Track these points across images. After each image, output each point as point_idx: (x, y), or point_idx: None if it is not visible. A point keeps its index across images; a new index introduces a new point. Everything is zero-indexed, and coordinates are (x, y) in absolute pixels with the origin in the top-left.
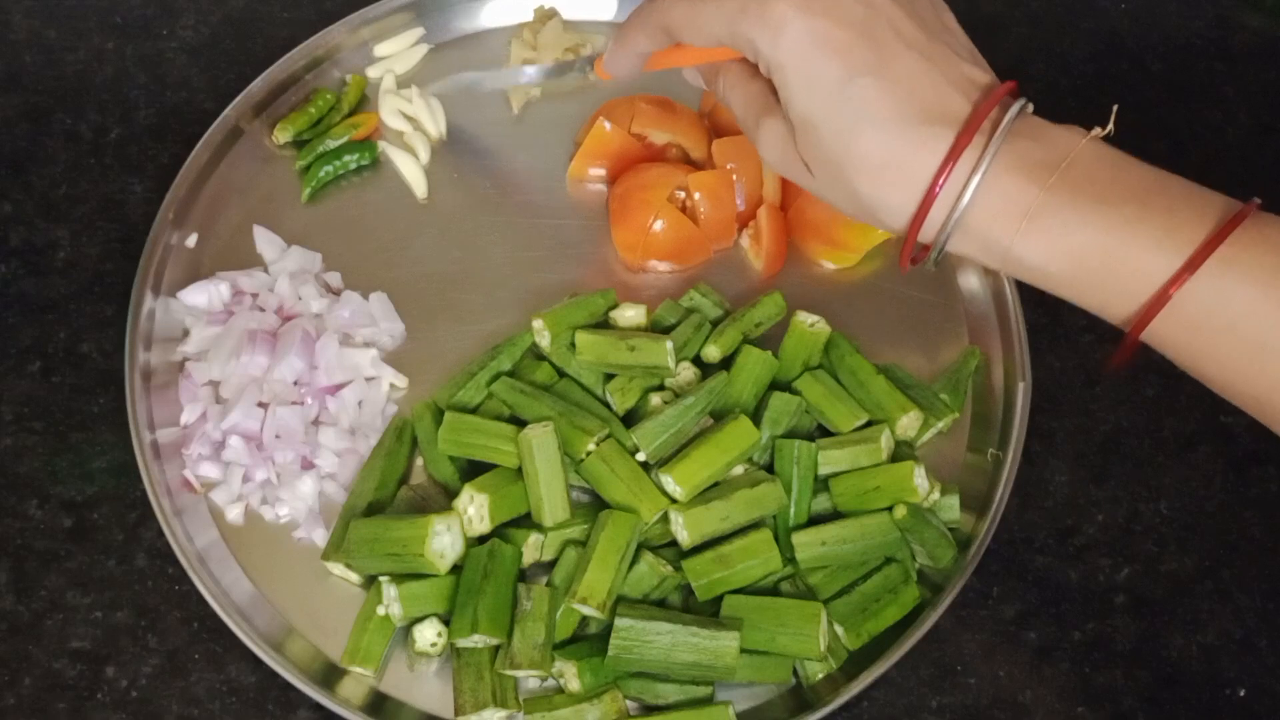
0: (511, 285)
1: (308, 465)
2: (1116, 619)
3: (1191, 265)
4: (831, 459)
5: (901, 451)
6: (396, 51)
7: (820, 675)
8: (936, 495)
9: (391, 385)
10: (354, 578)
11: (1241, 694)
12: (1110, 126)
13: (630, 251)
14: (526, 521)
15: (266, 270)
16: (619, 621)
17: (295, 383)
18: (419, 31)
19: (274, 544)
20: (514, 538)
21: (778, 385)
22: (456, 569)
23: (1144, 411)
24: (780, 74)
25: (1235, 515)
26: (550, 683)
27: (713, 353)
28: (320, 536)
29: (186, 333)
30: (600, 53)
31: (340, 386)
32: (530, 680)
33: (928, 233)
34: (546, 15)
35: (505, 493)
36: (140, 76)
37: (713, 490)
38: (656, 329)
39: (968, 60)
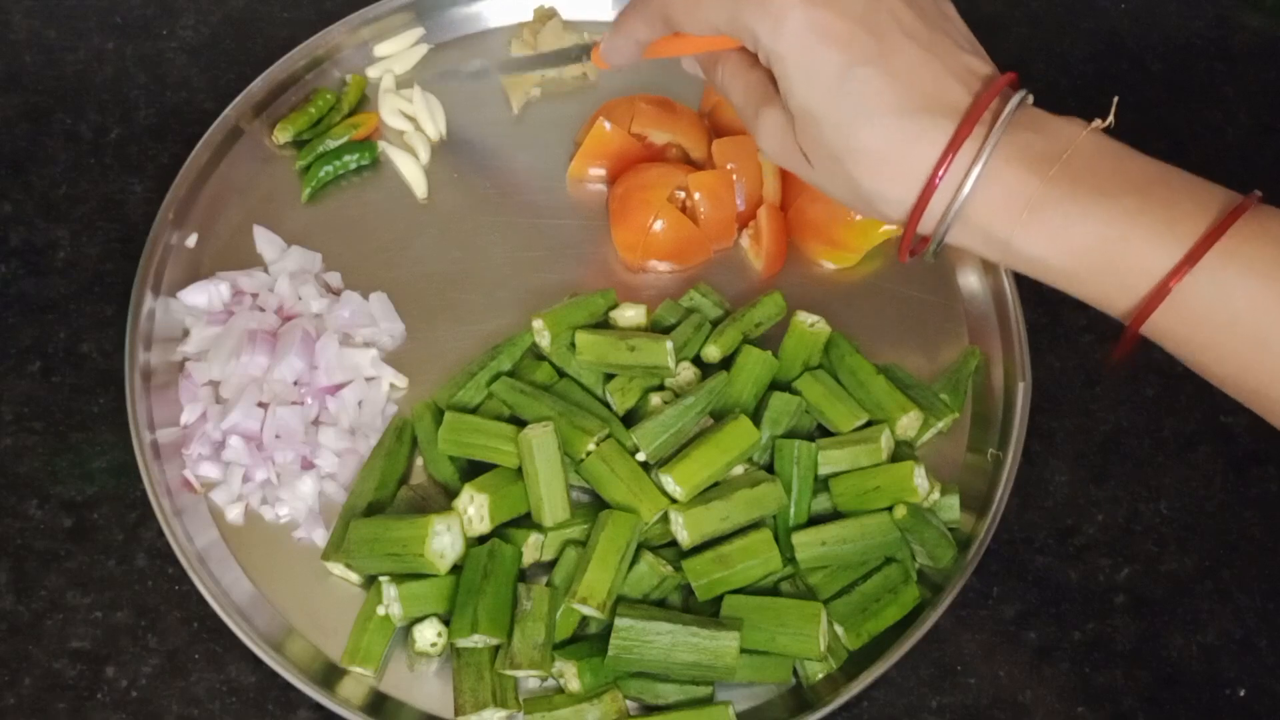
0: (511, 285)
1: (308, 465)
2: (1116, 619)
3: (1192, 258)
4: (831, 459)
5: (901, 451)
6: (396, 51)
7: (820, 675)
8: (936, 495)
9: (391, 385)
10: (354, 578)
11: (1241, 694)
12: (1111, 118)
13: (630, 251)
14: (526, 521)
15: (266, 270)
16: (619, 621)
17: (295, 383)
18: (419, 31)
19: (274, 544)
20: (514, 538)
21: (778, 385)
22: (456, 569)
23: (1144, 411)
24: (780, 64)
25: (1235, 515)
26: (550, 683)
27: (713, 353)
28: (320, 536)
29: (186, 333)
30: (598, 41)
31: (340, 386)
32: (530, 680)
33: (927, 224)
34: (546, 15)
35: (505, 493)
36: (140, 76)
37: (713, 490)
38: (656, 329)
39: (968, 51)
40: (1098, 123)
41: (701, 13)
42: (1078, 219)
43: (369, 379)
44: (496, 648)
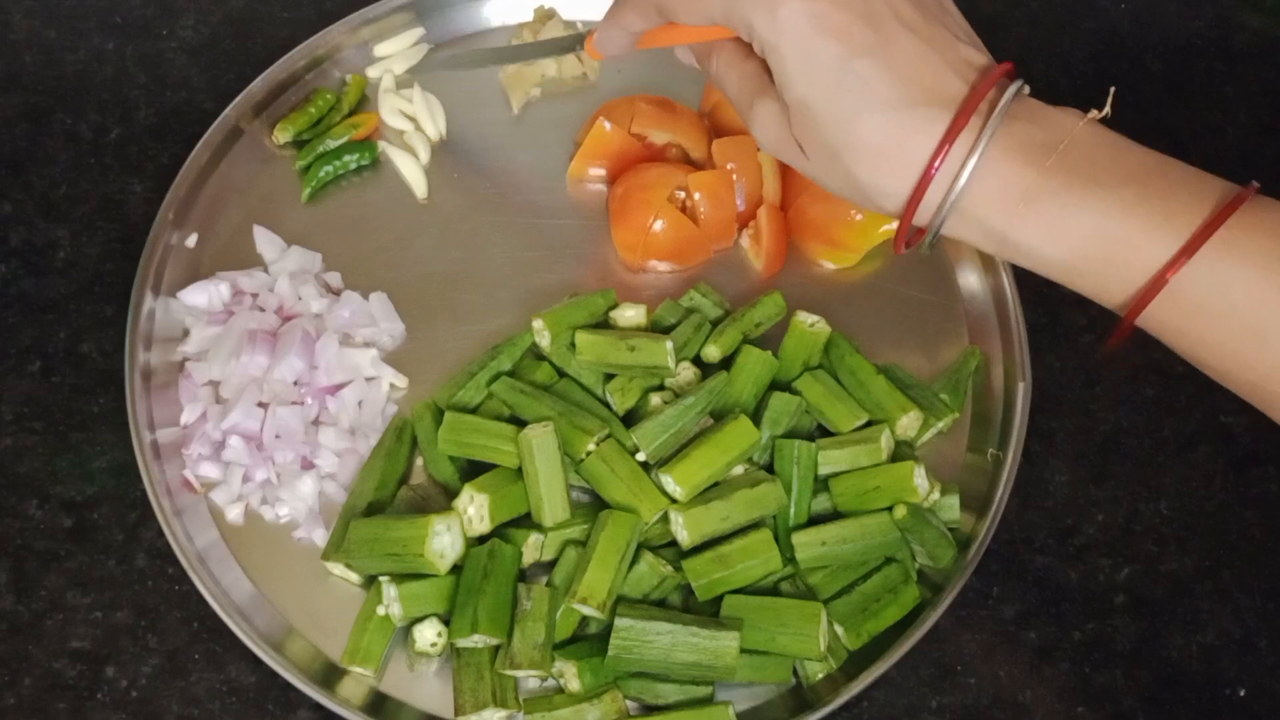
0: (511, 285)
1: (308, 465)
2: (1116, 619)
3: (1189, 249)
4: (831, 459)
5: (901, 451)
6: (396, 51)
7: (820, 675)
8: (936, 495)
9: (391, 385)
10: (354, 578)
11: (1241, 694)
12: (1107, 109)
13: (630, 251)
14: (526, 521)
15: (266, 270)
16: (619, 621)
17: (295, 383)
18: (419, 31)
19: (274, 544)
20: (514, 538)
21: (778, 385)
22: (456, 569)
23: (1144, 411)
24: (775, 55)
25: (1235, 515)
26: (550, 683)
27: (713, 353)
28: (320, 536)
29: (186, 333)
30: (592, 30)
31: (340, 386)
32: (530, 680)
33: (923, 216)
34: (546, 15)
35: (505, 493)
36: (140, 76)
37: (713, 490)
38: (656, 329)
39: (965, 42)
40: (1094, 113)
41: (696, 2)
42: (1074, 210)
43: (369, 379)
44: (496, 648)
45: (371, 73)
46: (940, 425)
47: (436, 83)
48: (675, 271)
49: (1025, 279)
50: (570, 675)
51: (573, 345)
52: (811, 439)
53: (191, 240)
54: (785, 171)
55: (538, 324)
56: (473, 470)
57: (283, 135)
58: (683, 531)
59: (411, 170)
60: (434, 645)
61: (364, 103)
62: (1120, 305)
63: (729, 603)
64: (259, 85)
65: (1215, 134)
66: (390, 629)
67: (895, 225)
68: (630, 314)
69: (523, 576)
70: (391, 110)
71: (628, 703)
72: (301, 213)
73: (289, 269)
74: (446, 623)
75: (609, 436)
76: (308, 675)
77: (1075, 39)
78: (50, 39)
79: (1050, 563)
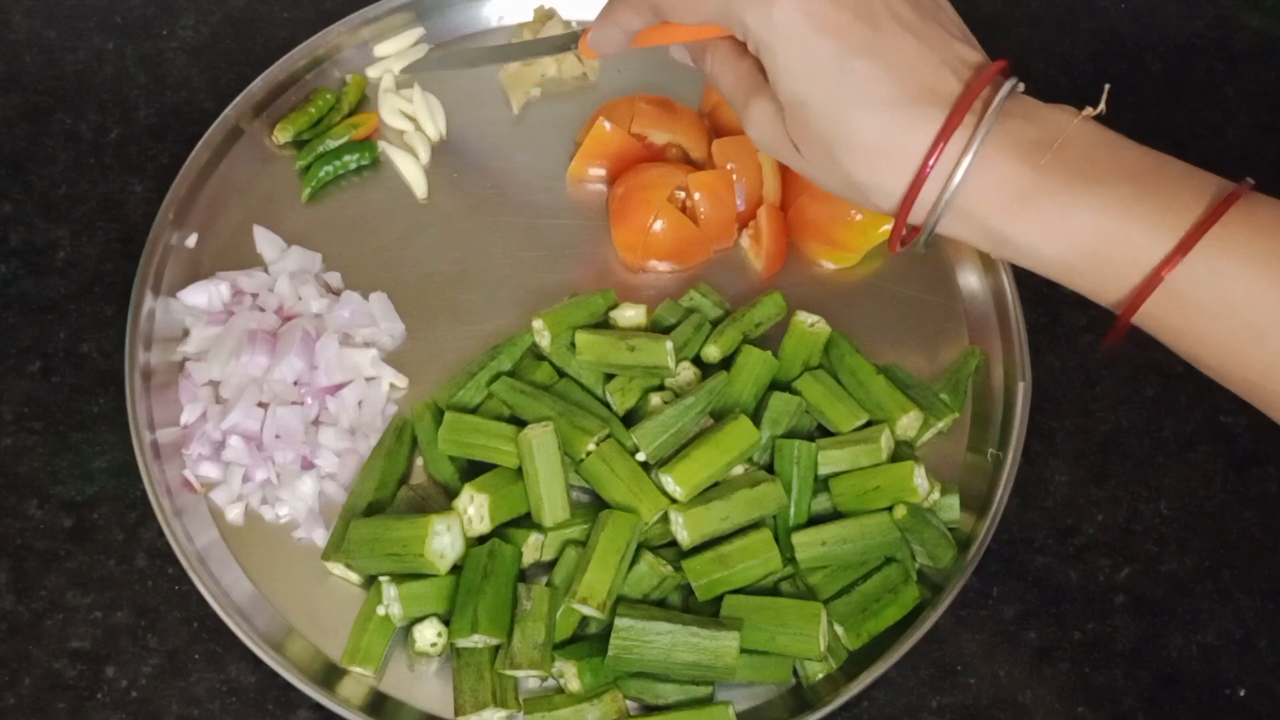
0: (511, 285)
1: (308, 465)
2: (1116, 619)
3: (1184, 246)
4: (831, 459)
5: (901, 451)
6: (396, 51)
7: (820, 675)
8: (936, 495)
9: (391, 385)
10: (354, 578)
11: (1241, 694)
12: (1102, 106)
13: (630, 251)
14: (526, 521)
15: (266, 270)
16: (619, 621)
17: (295, 383)
18: (419, 31)
19: (274, 544)
20: (514, 538)
21: (778, 385)
22: (456, 569)
23: (1144, 411)
24: (770, 54)
25: (1235, 515)
26: (550, 683)
27: (713, 353)
28: (320, 536)
29: (186, 333)
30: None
31: (340, 386)
32: (530, 680)
33: (918, 214)
34: (546, 15)
35: (505, 493)
36: (140, 76)
37: (713, 490)
38: (656, 329)
39: (960, 39)
40: (1089, 110)
41: (691, 1)
42: (1070, 208)
43: (369, 379)
44: (496, 648)
45: (371, 73)
46: (940, 425)
47: (436, 83)
48: (675, 271)
49: (1025, 279)
50: (570, 675)
51: (573, 345)
52: (811, 439)
53: (191, 240)
54: (785, 171)
55: (538, 324)
56: (473, 470)
57: (283, 135)
58: (683, 531)
59: (411, 170)
60: (434, 645)
61: (364, 103)
62: (1116, 303)
63: (729, 603)
64: (259, 85)
65: (1215, 134)
66: (390, 629)
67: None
68: (630, 314)
69: (523, 576)
70: (391, 110)
71: (628, 703)
72: (301, 213)
73: (289, 269)
74: (446, 623)
75: (609, 436)
76: (308, 675)
77: (1075, 39)
78: (50, 39)
79: (1050, 563)
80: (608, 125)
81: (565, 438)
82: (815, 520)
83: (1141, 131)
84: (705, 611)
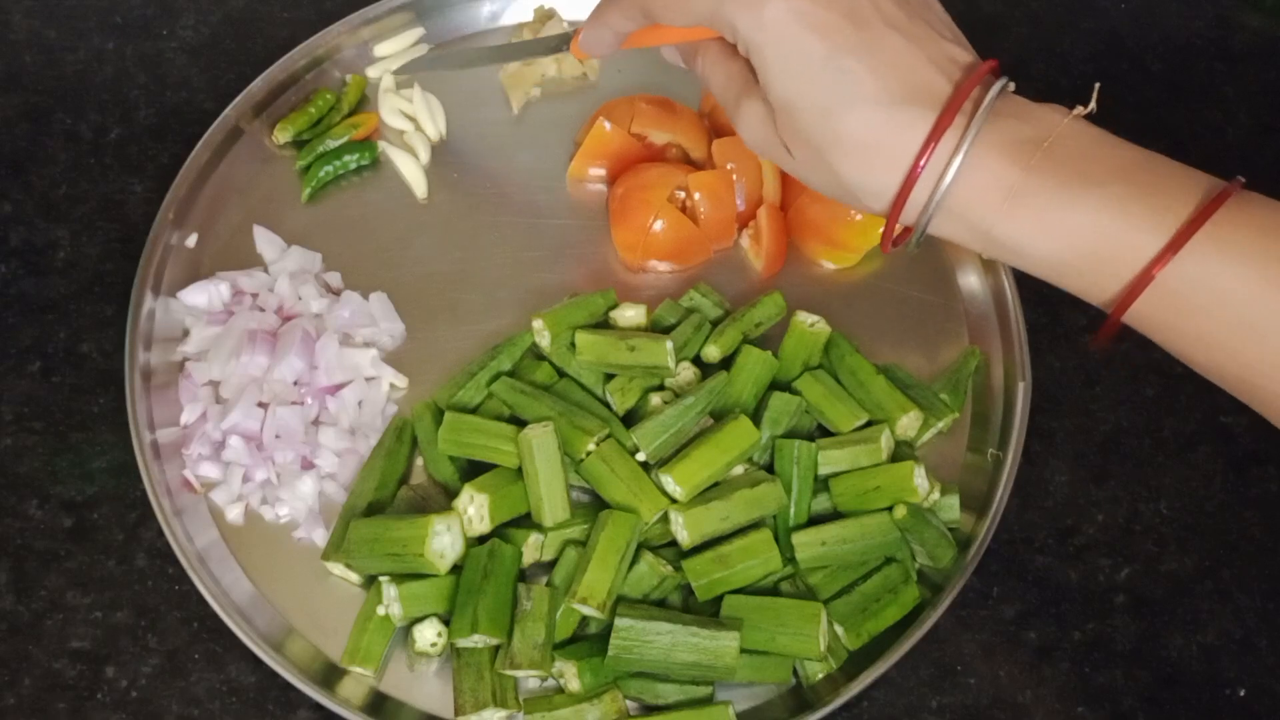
0: (511, 285)
1: (308, 465)
2: (1116, 619)
3: (1175, 245)
4: (831, 459)
5: (901, 451)
6: (396, 51)
7: (820, 675)
8: (936, 495)
9: (391, 385)
10: (354, 578)
11: (1241, 694)
12: (1093, 104)
13: (630, 251)
14: (526, 521)
15: (266, 270)
16: (619, 621)
17: (295, 383)
18: (419, 31)
19: (274, 544)
20: (514, 538)
21: (778, 385)
22: (456, 569)
23: (1144, 411)
24: (760, 55)
25: (1235, 515)
26: (550, 683)
27: (713, 353)
28: (320, 536)
29: (186, 333)
30: (577, 30)
31: (340, 386)
32: (530, 680)
33: (909, 214)
34: (546, 15)
35: (505, 493)
36: (140, 76)
37: (713, 490)
38: (656, 329)
39: (949, 39)
40: (1079, 109)
41: (681, 3)
42: (1059, 207)
43: (369, 379)
44: (496, 648)
45: (371, 73)
46: (940, 425)
47: (436, 83)
48: (675, 271)
49: (1025, 279)
50: (570, 675)
51: (573, 345)
52: (811, 439)
53: (191, 240)
54: (785, 172)
55: (538, 324)
56: (473, 470)
57: (283, 135)
58: (683, 531)
59: (411, 170)
60: (434, 645)
61: (364, 103)
62: (1108, 302)
63: (729, 603)
64: (259, 85)
65: (1215, 134)
66: (390, 629)
67: None
68: (630, 314)
69: (523, 576)
70: (391, 110)
71: (628, 703)
72: (301, 213)
73: (289, 269)
74: (446, 623)
75: (609, 436)
76: (308, 675)
77: (1075, 39)
78: (50, 39)
79: (1050, 563)
80: (608, 125)
81: (565, 438)
82: (815, 520)
83: (1141, 131)
84: (705, 611)
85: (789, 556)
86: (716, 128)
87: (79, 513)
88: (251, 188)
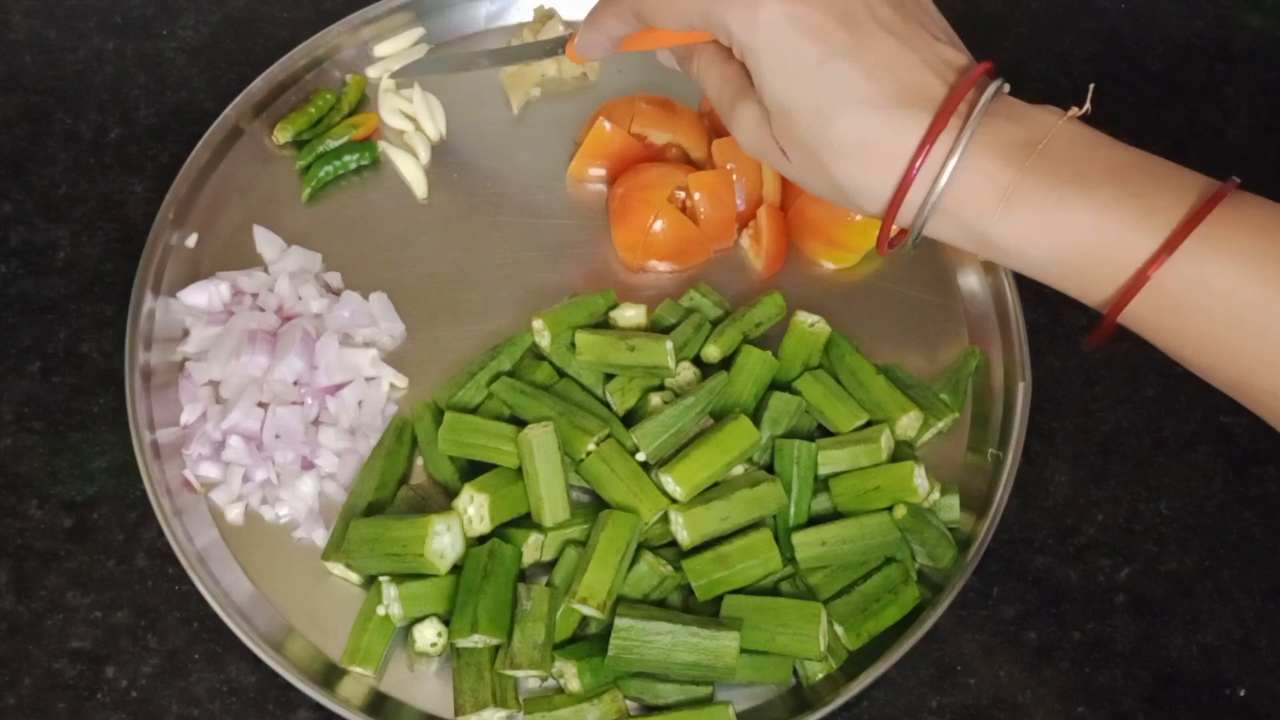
0: (511, 285)
1: (308, 465)
2: (1116, 619)
3: (1170, 246)
4: (831, 459)
5: (901, 451)
6: (396, 51)
7: (820, 675)
8: (936, 495)
9: (391, 385)
10: (354, 578)
11: (1241, 694)
12: (1087, 105)
13: (630, 251)
14: (526, 521)
15: (266, 270)
16: (619, 621)
17: (295, 383)
18: (419, 31)
19: (274, 544)
20: (514, 538)
21: (778, 385)
22: (456, 569)
23: (1144, 411)
24: (754, 58)
25: (1235, 515)
26: (550, 683)
27: (713, 353)
28: (320, 536)
29: (186, 333)
30: (573, 33)
31: (340, 386)
32: (530, 680)
33: (905, 216)
34: (546, 15)
35: (505, 493)
36: (140, 76)
37: (713, 490)
38: (656, 329)
39: (944, 41)
40: (1074, 110)
41: (675, 7)
42: (1054, 208)
43: (369, 379)
44: (496, 648)
45: (371, 73)
46: (940, 425)
47: (436, 83)
48: (675, 271)
49: (1025, 279)
50: (570, 675)
51: (573, 345)
52: (811, 439)
53: (191, 240)
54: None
55: (538, 324)
56: (473, 470)
57: (283, 135)
58: (683, 531)
59: (411, 170)
60: (434, 645)
61: (364, 103)
62: (1103, 303)
63: (729, 603)
64: (259, 85)
65: (1215, 134)
66: (390, 629)
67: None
68: (630, 314)
69: (523, 576)
70: (391, 110)
71: (628, 703)
72: (301, 213)
73: (289, 269)
74: (446, 623)
75: (609, 436)
76: (308, 675)
77: (1075, 39)
78: (50, 39)
79: (1050, 563)
80: (608, 125)
81: (565, 438)
82: (815, 520)
83: (1141, 131)
84: (705, 611)
85: (789, 556)
86: (716, 128)
87: (79, 513)
88: (251, 188)
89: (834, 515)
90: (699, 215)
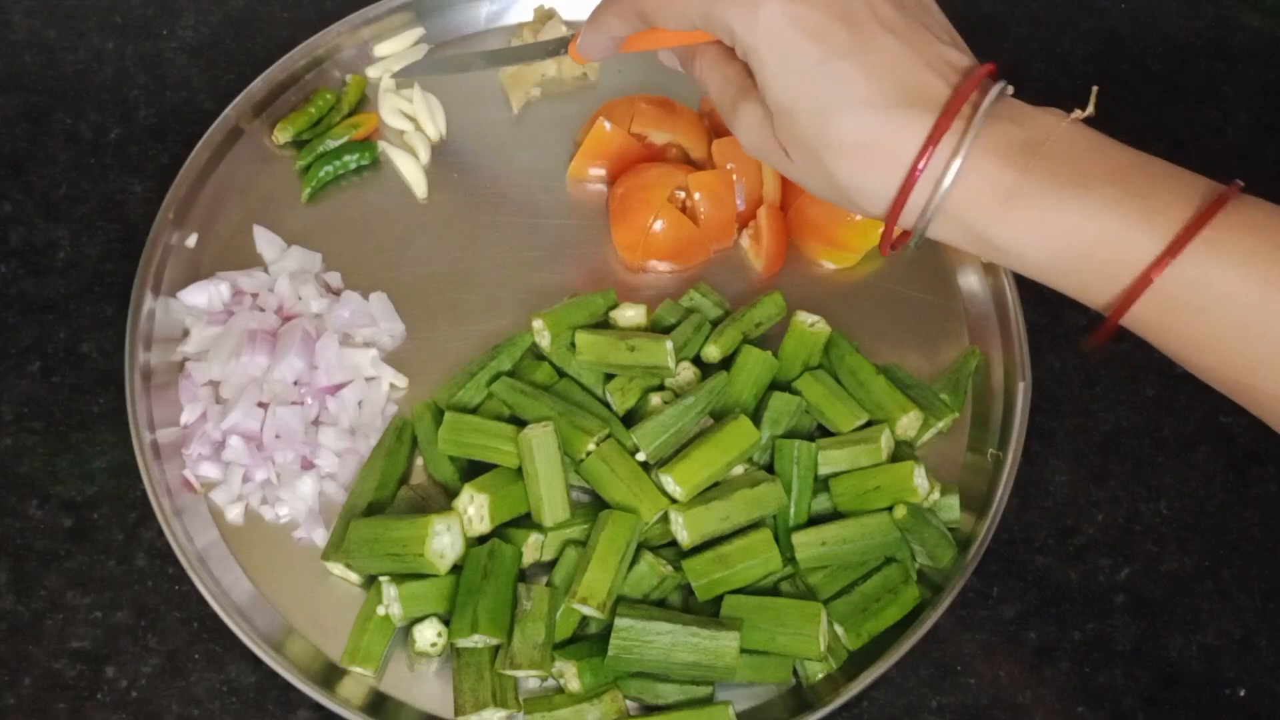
0: (511, 285)
1: (308, 465)
2: (1116, 619)
3: (1174, 249)
4: (831, 459)
5: (901, 451)
6: (396, 51)
7: (820, 675)
8: (936, 495)
9: (391, 385)
10: (354, 578)
11: (1241, 694)
12: (1091, 108)
13: (630, 251)
14: (526, 521)
15: (266, 270)
16: (619, 621)
17: (295, 383)
18: (419, 31)
19: (274, 544)
20: (514, 538)
21: (778, 385)
22: (456, 569)
23: (1144, 411)
24: (756, 57)
25: (1235, 515)
26: (550, 683)
27: (713, 353)
28: (320, 536)
29: (186, 333)
30: (575, 34)
31: (340, 386)
32: (530, 680)
33: (908, 218)
34: (546, 15)
35: (505, 493)
36: (140, 76)
37: (713, 490)
38: (656, 329)
39: (946, 42)
40: (1077, 113)
41: (677, 7)
42: (1055, 210)
43: (369, 379)
44: (496, 648)
45: (371, 73)
46: (940, 425)
47: (436, 83)
48: (675, 271)
49: (1026, 279)
50: (570, 675)
51: (573, 345)
52: (811, 439)
53: (191, 240)
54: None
55: (538, 324)
56: (473, 470)
57: (283, 135)
58: (683, 531)
59: (411, 170)
60: (434, 645)
61: (364, 103)
62: (1105, 305)
63: (729, 603)
64: (259, 85)
65: (1215, 134)
66: (390, 629)
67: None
68: (630, 314)
69: (523, 576)
70: (391, 110)
71: (628, 703)
72: (301, 213)
73: (289, 269)
74: (446, 623)
75: (609, 436)
76: (308, 675)
77: (1075, 39)
78: (50, 39)
79: (1050, 563)
80: (608, 125)
81: (565, 438)
82: (815, 520)
83: (1141, 131)
84: (705, 611)
85: (789, 556)
86: (716, 128)
87: (79, 513)
88: (251, 188)
89: (834, 515)
90: (699, 215)
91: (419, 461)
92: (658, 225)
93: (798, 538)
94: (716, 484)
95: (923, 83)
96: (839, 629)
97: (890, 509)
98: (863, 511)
